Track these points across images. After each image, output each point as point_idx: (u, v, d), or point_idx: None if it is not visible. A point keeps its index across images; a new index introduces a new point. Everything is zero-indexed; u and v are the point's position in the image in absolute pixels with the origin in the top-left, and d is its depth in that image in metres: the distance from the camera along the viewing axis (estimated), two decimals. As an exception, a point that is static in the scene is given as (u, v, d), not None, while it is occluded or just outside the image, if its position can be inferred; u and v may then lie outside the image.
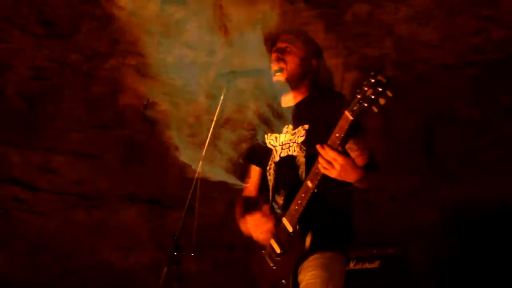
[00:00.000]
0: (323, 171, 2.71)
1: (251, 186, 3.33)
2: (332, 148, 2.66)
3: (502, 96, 5.59)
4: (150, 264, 5.68)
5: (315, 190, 2.81)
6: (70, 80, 5.40)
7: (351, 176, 2.72)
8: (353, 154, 2.84)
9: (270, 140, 3.18)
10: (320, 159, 2.69)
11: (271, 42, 3.18)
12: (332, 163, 2.66)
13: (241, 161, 3.31)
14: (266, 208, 3.00)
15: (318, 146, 2.69)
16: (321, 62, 3.17)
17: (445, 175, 5.76)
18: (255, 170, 3.32)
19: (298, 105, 3.12)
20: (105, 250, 5.78)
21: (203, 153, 3.04)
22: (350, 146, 2.88)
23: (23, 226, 5.71)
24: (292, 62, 3.08)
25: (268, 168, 3.17)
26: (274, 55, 3.11)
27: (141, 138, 5.74)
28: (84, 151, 5.73)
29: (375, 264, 4.76)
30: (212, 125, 3.05)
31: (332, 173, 2.69)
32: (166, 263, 2.83)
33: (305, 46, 3.12)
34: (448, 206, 5.73)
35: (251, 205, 3.16)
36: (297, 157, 3.01)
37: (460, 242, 5.52)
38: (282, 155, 3.10)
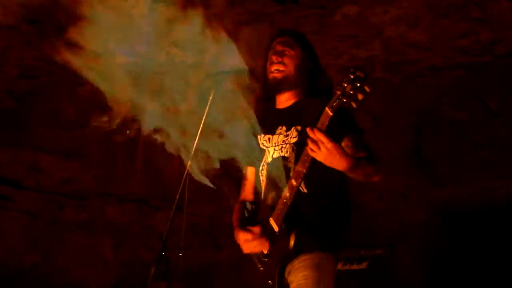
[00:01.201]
0: (310, 153, 2.67)
1: (248, 187, 3.32)
2: (321, 131, 2.64)
3: (489, 98, 5.63)
4: (138, 263, 5.67)
5: (304, 190, 2.81)
6: (58, 79, 5.38)
7: (338, 163, 2.67)
8: (349, 151, 2.79)
9: (263, 141, 3.18)
10: (308, 142, 2.66)
11: (267, 42, 3.19)
12: (319, 145, 2.63)
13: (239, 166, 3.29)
14: (257, 229, 2.98)
15: (308, 129, 2.67)
16: (317, 64, 3.18)
17: (433, 175, 5.78)
18: (251, 171, 3.31)
19: (292, 107, 3.13)
20: (92, 249, 5.76)
21: (192, 153, 3.03)
22: (346, 143, 2.88)
23: (10, 224, 5.68)
24: (290, 65, 3.10)
25: (260, 168, 3.16)
26: (273, 58, 3.12)
27: (129, 138, 5.72)
28: (72, 151, 5.71)
29: (363, 265, 4.77)
30: (201, 125, 3.05)
31: (319, 156, 2.65)
32: (154, 263, 2.82)
33: (302, 49, 3.14)
34: (435, 206, 5.76)
35: (246, 216, 3.17)
36: (289, 158, 3.01)
37: (447, 243, 5.55)
38: (274, 156, 3.09)
